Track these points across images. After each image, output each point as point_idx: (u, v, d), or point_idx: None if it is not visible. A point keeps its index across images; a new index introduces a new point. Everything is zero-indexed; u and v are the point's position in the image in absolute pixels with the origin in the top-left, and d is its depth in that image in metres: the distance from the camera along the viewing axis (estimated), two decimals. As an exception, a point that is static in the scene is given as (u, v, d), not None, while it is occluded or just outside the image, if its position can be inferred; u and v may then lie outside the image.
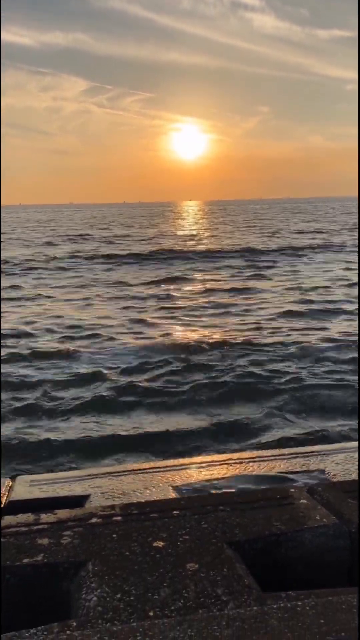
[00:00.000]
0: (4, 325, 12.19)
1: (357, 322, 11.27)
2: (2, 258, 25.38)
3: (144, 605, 1.83)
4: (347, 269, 22.57)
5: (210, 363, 9.54)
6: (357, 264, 20.87)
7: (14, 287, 19.22)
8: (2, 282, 18.56)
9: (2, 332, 11.47)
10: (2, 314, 13.31)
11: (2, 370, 8.78)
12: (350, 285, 18.16)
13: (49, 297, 17.43)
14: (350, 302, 15.07)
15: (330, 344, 10.51)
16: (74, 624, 1.77)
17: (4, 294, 16.97)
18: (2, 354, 10.02)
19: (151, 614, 1.79)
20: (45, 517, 2.45)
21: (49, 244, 38.32)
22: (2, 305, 14.58)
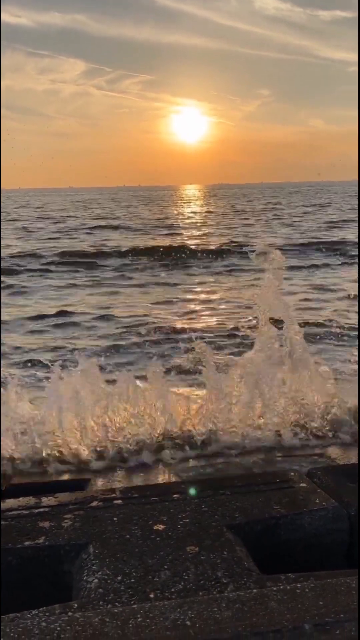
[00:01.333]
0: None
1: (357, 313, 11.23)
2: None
3: (144, 588, 1.84)
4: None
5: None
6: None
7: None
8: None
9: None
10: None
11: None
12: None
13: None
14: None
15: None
16: (76, 605, 1.78)
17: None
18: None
19: (152, 596, 1.80)
20: (47, 500, 2.47)
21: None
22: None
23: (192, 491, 2.00)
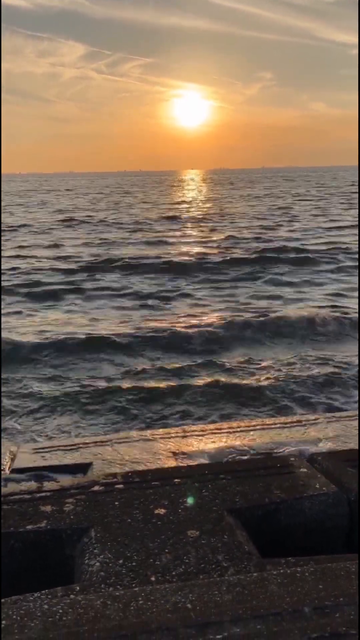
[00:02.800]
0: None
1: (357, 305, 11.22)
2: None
3: (145, 571, 1.86)
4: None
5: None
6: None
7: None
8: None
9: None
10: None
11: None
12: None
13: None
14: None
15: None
16: (77, 588, 1.80)
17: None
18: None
19: (153, 579, 1.82)
20: (49, 485, 2.49)
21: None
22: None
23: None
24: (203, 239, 23.01)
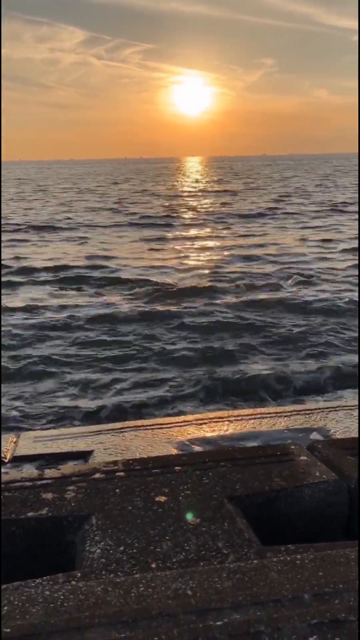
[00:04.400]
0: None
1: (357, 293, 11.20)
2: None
3: (146, 558, 1.87)
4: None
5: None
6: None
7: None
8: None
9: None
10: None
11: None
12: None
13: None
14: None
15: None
16: (79, 574, 1.81)
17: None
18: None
19: (153, 566, 1.84)
20: (50, 473, 2.50)
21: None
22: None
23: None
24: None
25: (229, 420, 3.84)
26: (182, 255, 17.18)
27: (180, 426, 3.69)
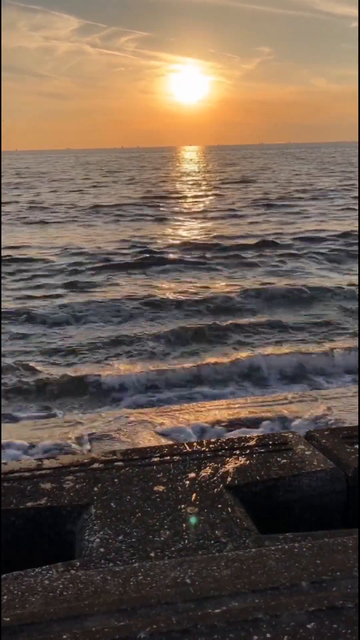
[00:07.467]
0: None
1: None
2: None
3: (145, 547, 1.88)
4: None
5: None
6: None
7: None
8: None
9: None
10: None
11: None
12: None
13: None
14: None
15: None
16: (78, 563, 1.82)
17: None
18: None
19: (152, 554, 1.84)
20: (48, 462, 2.50)
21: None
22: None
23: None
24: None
25: (228, 408, 3.85)
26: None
27: (179, 415, 3.69)
